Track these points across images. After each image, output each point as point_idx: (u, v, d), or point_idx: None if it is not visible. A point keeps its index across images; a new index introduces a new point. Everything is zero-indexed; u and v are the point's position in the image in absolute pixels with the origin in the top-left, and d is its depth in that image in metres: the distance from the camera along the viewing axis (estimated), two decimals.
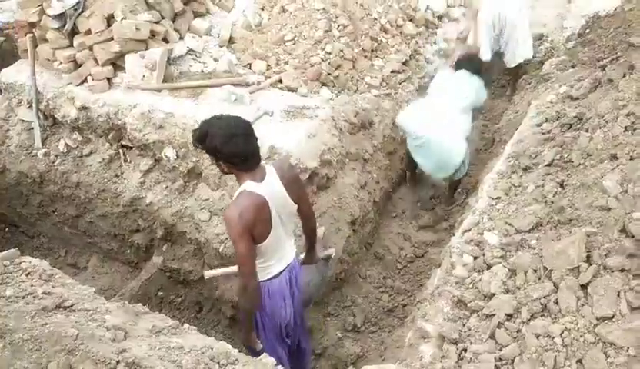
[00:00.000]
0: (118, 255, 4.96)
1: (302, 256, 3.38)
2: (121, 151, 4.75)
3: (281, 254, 3.02)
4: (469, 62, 5.01)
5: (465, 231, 3.23)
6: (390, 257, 4.59)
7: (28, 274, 2.99)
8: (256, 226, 2.74)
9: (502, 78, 6.73)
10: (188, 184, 4.50)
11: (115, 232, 4.84)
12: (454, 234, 3.95)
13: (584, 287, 2.35)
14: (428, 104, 4.70)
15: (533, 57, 6.42)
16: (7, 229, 5.32)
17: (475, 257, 2.93)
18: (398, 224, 4.91)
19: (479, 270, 2.86)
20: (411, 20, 6.40)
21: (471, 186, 5.11)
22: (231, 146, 2.66)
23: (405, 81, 5.70)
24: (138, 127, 4.50)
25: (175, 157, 4.46)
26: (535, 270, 2.58)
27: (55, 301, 2.61)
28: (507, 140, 4.97)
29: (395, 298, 4.25)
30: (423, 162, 4.64)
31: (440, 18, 6.81)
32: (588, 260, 2.46)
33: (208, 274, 3.67)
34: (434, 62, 6.26)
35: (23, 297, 2.66)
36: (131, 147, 4.71)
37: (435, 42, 6.50)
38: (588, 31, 5.86)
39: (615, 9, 6.01)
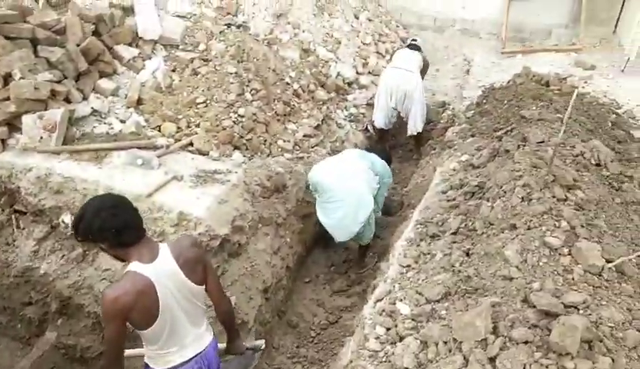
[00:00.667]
0: (7, 330, 4.48)
1: (224, 345, 3.11)
2: (13, 216, 4.38)
3: (182, 342, 2.73)
4: (381, 151, 5.30)
5: (378, 301, 3.23)
6: (304, 325, 4.50)
7: None
8: (135, 311, 2.48)
9: (410, 143, 7.02)
10: (87, 252, 4.20)
11: (4, 305, 4.39)
12: (367, 300, 3.96)
13: (492, 360, 2.39)
14: (338, 161, 4.82)
15: (436, 124, 6.81)
16: None
17: (388, 329, 2.92)
18: (312, 290, 4.86)
19: (392, 343, 2.85)
20: (322, 86, 6.59)
21: (383, 249, 5.19)
22: (99, 222, 2.43)
23: (317, 145, 5.80)
24: (33, 192, 4.20)
25: None
26: (446, 342, 2.60)
27: None
28: (415, 204, 5.14)
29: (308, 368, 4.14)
30: (330, 222, 4.66)
31: (350, 84, 7.08)
32: (495, 331, 2.52)
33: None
34: (345, 127, 6.44)
35: None
36: (25, 213, 4.36)
37: (345, 108, 6.71)
38: (484, 101, 6.29)
39: (508, 82, 6.54)
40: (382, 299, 3.22)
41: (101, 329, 4.09)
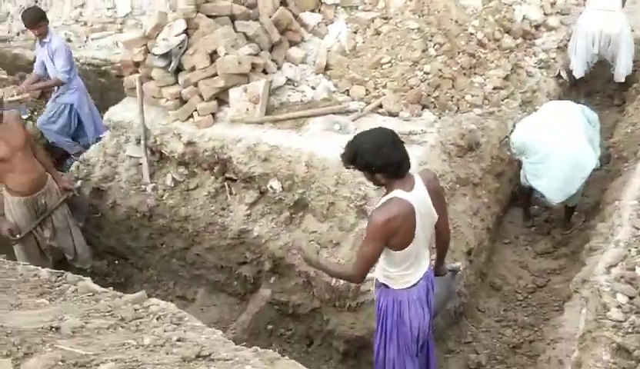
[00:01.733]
0: (225, 287, 4.97)
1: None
2: (226, 184, 4.77)
3: (418, 263, 3.03)
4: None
5: (611, 266, 2.96)
6: (508, 288, 4.34)
7: (159, 318, 3.00)
8: (399, 234, 2.79)
9: (608, 88, 6.31)
10: (294, 216, 4.45)
11: (222, 264, 4.85)
12: (583, 263, 3.69)
13: None
14: (545, 116, 4.44)
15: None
16: (117, 262, 5.46)
17: (631, 297, 2.67)
18: (513, 251, 4.65)
19: (637, 312, 2.60)
20: (508, 32, 6.12)
21: (589, 207, 4.78)
22: (382, 157, 2.74)
23: (507, 97, 5.44)
24: (243, 161, 4.51)
25: (281, 189, 4.44)
26: None
27: (194, 350, 2.57)
28: (628, 156, 4.63)
29: (519, 333, 3.99)
30: (544, 184, 4.31)
31: (537, 27, 6.49)
32: None
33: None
34: (535, 75, 5.95)
35: (162, 346, 2.65)
36: (236, 180, 4.72)
37: (534, 54, 6.20)
38: None
39: None
40: (616, 264, 2.95)
41: (311, 288, 4.34)
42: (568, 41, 6.27)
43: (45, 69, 5.98)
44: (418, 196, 2.83)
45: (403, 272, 2.99)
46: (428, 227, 2.98)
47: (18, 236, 4.55)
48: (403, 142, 2.86)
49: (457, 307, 3.96)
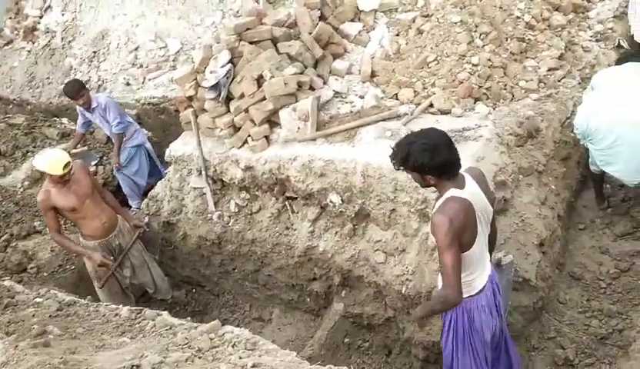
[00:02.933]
0: (299, 305, 5.03)
1: None
2: (287, 203, 4.85)
3: (483, 264, 2.98)
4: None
5: None
6: (589, 276, 4.14)
7: (234, 345, 3.08)
8: (465, 231, 2.75)
9: None
10: (357, 226, 4.46)
11: (293, 283, 4.92)
12: None
13: None
14: (605, 98, 4.18)
15: None
16: (194, 290, 5.67)
17: None
18: (590, 236, 4.43)
19: None
20: (557, 9, 5.88)
21: None
22: (437, 158, 2.71)
23: (564, 77, 5.22)
24: (300, 179, 4.56)
25: (341, 202, 4.45)
26: None
27: None
28: None
29: (607, 323, 3.78)
30: (618, 169, 4.07)
31: None
32: None
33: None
34: (592, 49, 5.67)
35: None
36: (296, 198, 4.79)
37: (589, 27, 5.91)
38: None
39: None
40: None
41: (382, 297, 4.31)
42: (626, 7, 5.94)
43: (88, 127, 6.40)
44: (471, 192, 2.82)
45: (470, 277, 2.93)
46: (486, 223, 2.93)
47: (111, 263, 4.71)
48: (454, 143, 2.83)
49: (534, 302, 3.81)
